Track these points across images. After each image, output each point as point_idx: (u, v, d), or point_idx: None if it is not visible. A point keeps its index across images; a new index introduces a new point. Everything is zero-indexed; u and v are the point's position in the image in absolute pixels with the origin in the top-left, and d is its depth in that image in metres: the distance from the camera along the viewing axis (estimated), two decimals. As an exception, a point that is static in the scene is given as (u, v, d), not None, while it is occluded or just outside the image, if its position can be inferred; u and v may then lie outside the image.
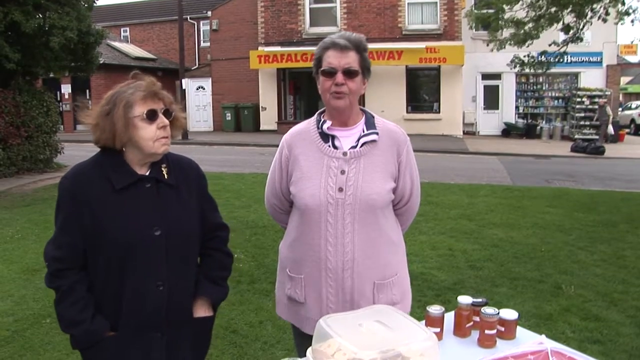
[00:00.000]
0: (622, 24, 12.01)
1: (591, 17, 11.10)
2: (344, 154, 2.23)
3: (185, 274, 2.09)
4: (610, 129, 22.03)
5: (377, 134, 2.26)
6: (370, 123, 2.30)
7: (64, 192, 2.01)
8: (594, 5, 10.67)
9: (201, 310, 2.16)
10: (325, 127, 2.26)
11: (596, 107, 22.31)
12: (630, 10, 11.21)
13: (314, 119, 2.35)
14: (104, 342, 1.98)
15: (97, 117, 1.98)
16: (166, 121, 1.99)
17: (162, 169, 2.07)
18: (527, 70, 13.30)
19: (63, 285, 1.99)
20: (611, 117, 21.98)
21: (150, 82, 2.00)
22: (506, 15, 11.80)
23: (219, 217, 2.27)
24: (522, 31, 11.45)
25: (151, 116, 1.96)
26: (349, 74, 2.19)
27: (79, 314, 1.97)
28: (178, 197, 2.07)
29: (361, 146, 2.24)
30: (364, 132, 2.27)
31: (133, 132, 1.95)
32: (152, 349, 2.02)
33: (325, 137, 2.27)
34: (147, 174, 2.04)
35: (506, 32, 12.15)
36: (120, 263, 1.97)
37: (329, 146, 2.26)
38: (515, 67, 12.83)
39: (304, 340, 2.27)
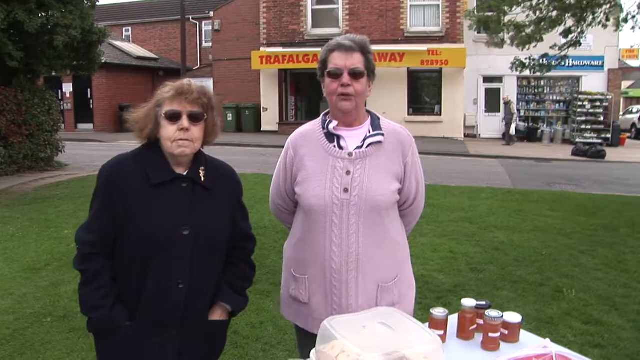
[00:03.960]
0: (620, 30, 12.02)
1: (591, 23, 11.09)
2: (350, 154, 2.23)
3: (207, 276, 2.12)
4: (513, 129, 21.45)
5: (382, 135, 2.26)
6: (376, 124, 2.29)
7: (102, 180, 2.07)
8: (595, 10, 10.67)
9: (217, 315, 2.18)
10: (331, 127, 2.26)
11: (598, 110, 22.28)
12: (629, 17, 11.20)
13: (319, 119, 2.35)
14: (118, 331, 2.03)
15: (141, 111, 2.08)
16: (186, 124, 2.01)
17: (200, 171, 2.11)
18: (528, 73, 13.29)
19: (90, 269, 2.05)
20: (515, 116, 21.42)
21: (183, 84, 2.04)
22: (507, 18, 11.81)
23: (248, 227, 2.30)
24: (524, 34, 11.44)
25: (171, 117, 2.01)
26: (355, 75, 2.19)
27: (101, 299, 2.03)
28: (212, 201, 2.11)
29: (367, 147, 2.24)
30: (369, 132, 2.26)
31: (159, 129, 2.03)
32: (165, 344, 2.06)
33: (331, 137, 2.27)
34: (185, 174, 2.08)
35: (506, 35, 12.16)
36: (145, 257, 2.01)
37: (335, 146, 2.25)
38: (515, 69, 12.84)
39: (307, 341, 2.27)
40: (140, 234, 2.00)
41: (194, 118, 2.03)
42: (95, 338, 2.12)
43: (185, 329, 2.08)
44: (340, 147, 2.25)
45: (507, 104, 21.35)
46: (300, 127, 2.41)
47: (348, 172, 2.20)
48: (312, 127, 2.35)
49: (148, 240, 2.00)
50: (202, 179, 2.10)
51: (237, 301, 2.23)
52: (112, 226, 2.03)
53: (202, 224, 2.06)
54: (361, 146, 2.24)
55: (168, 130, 2.01)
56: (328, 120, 2.30)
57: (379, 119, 2.33)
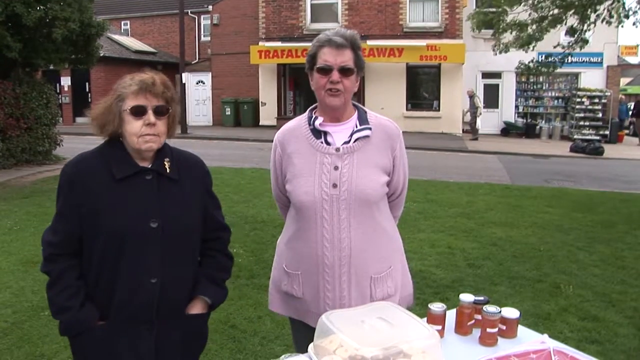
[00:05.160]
0: (622, 26, 11.99)
1: (595, 21, 11.07)
2: (337, 149, 2.23)
3: (181, 269, 2.07)
4: (479, 124, 20.87)
5: (370, 129, 2.26)
6: (363, 118, 2.30)
7: (65, 179, 2.02)
8: (597, 7, 10.64)
9: (196, 308, 2.14)
10: (317, 123, 2.26)
11: (597, 107, 22.28)
12: (631, 13, 11.18)
13: (305, 115, 2.36)
14: (92, 331, 1.98)
15: (100, 106, 2.00)
16: (153, 119, 1.96)
17: (165, 162, 2.06)
18: (533, 72, 13.25)
19: (54, 270, 2.01)
20: (479, 110, 20.80)
21: (148, 78, 1.99)
22: (509, 18, 11.79)
23: (221, 216, 2.27)
24: (525, 34, 11.43)
25: (137, 112, 1.96)
26: (345, 71, 2.20)
27: (68, 300, 1.98)
28: (179, 192, 2.06)
29: (354, 141, 2.24)
30: (357, 127, 2.27)
31: (121, 125, 1.97)
32: (141, 341, 2.02)
33: (317, 133, 2.27)
34: (149, 166, 2.04)
35: (509, 35, 12.13)
36: (115, 253, 1.96)
37: (322, 142, 2.26)
38: (522, 74, 12.82)
39: (302, 334, 2.29)
40: (107, 230, 1.95)
41: (159, 112, 1.98)
42: (70, 340, 2.07)
43: (162, 324, 2.03)
44: (328, 143, 2.26)
45: (472, 97, 21.00)
46: (287, 124, 2.41)
47: (336, 168, 2.21)
48: (298, 122, 2.36)
49: (116, 236, 1.95)
50: (168, 170, 2.05)
51: (216, 293, 2.19)
52: (77, 225, 1.98)
53: (170, 215, 2.01)
54: (348, 141, 2.25)
55: (134, 126, 1.95)
56: (314, 116, 2.30)
57: (365, 112, 2.34)
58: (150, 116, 1.96)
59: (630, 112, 24.96)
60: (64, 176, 2.02)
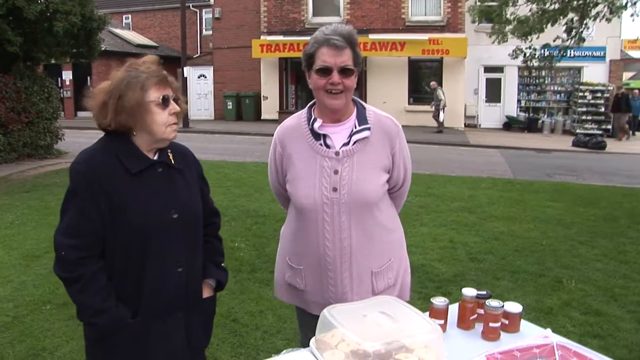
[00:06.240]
0: (618, 17, 11.92)
1: (595, 19, 11.02)
2: (337, 153, 2.22)
3: (196, 255, 2.14)
4: (442, 117, 20.34)
5: (369, 129, 2.24)
6: (362, 116, 2.27)
7: (79, 178, 1.95)
8: (598, 1, 10.59)
9: (207, 292, 2.21)
10: (316, 126, 2.24)
11: (599, 102, 22.21)
12: (629, 4, 11.13)
13: (304, 114, 2.33)
14: (126, 328, 1.99)
15: (105, 100, 1.96)
16: (177, 107, 2.01)
17: (169, 154, 2.09)
18: (529, 64, 13.22)
19: (86, 274, 1.93)
20: (442, 102, 20.14)
21: (161, 68, 2.02)
22: (509, 10, 11.74)
23: (212, 202, 2.32)
24: (526, 25, 11.39)
25: (166, 102, 1.98)
26: (345, 72, 2.17)
27: (105, 302, 1.95)
28: (185, 181, 2.11)
29: (353, 144, 2.23)
30: (356, 127, 2.24)
31: (146, 116, 1.96)
32: (173, 331, 2.05)
33: (317, 134, 2.26)
34: (156, 158, 2.06)
35: (509, 27, 12.11)
36: (140, 247, 1.97)
37: (321, 145, 2.24)
38: (516, 57, 12.74)
39: (307, 320, 2.33)
40: (131, 225, 1.93)
41: (176, 102, 2.03)
42: (103, 342, 2.01)
43: (188, 310, 2.08)
44: (327, 145, 2.24)
45: (434, 90, 20.48)
46: (286, 121, 2.40)
47: (336, 172, 2.20)
48: (298, 121, 2.34)
49: (142, 230, 1.95)
50: (173, 161, 2.09)
51: (223, 275, 2.26)
52: (101, 223, 1.94)
53: (186, 205, 2.06)
54: (348, 142, 2.23)
55: (162, 116, 1.97)
56: (313, 117, 2.28)
57: (365, 109, 2.31)
58: (175, 105, 2.01)
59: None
60: (77, 175, 1.96)
